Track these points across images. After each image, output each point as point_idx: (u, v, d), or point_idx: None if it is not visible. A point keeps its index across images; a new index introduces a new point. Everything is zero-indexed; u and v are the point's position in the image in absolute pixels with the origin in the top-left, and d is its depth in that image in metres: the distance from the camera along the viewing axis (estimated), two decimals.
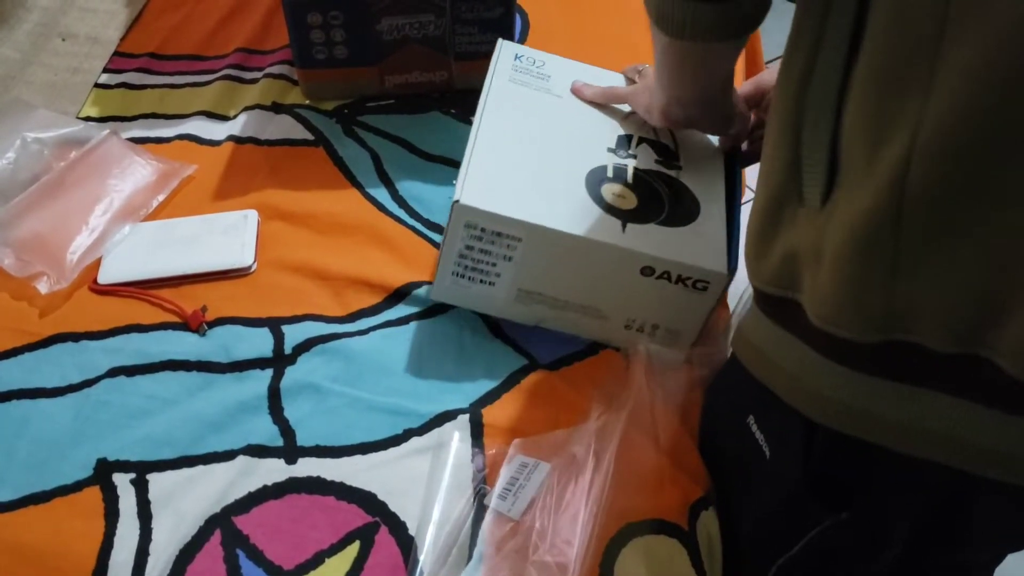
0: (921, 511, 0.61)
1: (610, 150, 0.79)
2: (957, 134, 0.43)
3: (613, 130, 0.81)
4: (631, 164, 0.78)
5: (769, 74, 0.83)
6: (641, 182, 0.77)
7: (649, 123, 0.80)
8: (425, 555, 0.66)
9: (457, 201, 0.70)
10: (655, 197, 0.76)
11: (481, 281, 0.75)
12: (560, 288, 0.75)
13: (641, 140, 0.81)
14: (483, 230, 0.71)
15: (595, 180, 0.76)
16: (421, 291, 0.82)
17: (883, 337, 0.51)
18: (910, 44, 0.44)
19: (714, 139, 0.84)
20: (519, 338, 0.79)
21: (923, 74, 0.44)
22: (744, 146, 0.86)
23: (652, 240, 0.72)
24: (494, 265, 0.74)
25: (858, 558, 0.66)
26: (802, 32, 0.51)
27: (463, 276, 0.75)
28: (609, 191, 0.75)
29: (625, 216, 0.73)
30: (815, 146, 0.51)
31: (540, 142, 0.78)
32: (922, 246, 0.47)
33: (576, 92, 0.83)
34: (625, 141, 0.80)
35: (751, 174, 0.91)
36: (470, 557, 0.66)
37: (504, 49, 0.86)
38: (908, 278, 0.48)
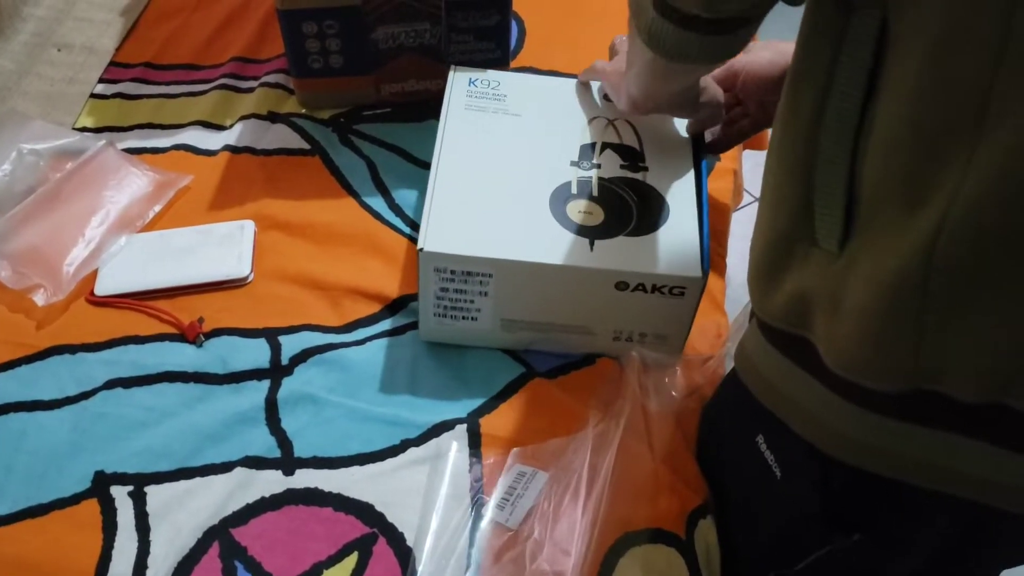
0: (945, 532, 0.60)
1: (573, 163, 0.79)
2: (994, 212, 0.42)
3: (576, 140, 0.81)
4: (595, 175, 0.78)
5: (744, 56, 0.81)
6: (607, 192, 0.76)
7: (616, 107, 0.80)
8: (423, 565, 0.66)
9: (421, 249, 0.71)
10: (622, 207, 0.76)
11: (463, 318, 0.75)
12: (541, 313, 0.75)
13: (605, 146, 0.81)
14: (453, 272, 0.72)
15: (560, 200, 0.76)
16: (417, 302, 0.82)
17: (908, 388, 0.50)
18: (951, 111, 0.43)
19: (681, 126, 0.83)
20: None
21: (963, 145, 0.42)
22: (718, 130, 0.85)
23: (622, 254, 0.72)
24: (472, 302, 0.74)
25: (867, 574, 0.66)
26: (809, 73, 0.49)
27: (445, 316, 0.76)
28: (575, 209, 0.75)
29: (593, 233, 0.73)
30: (830, 191, 0.49)
31: (501, 168, 0.78)
32: (950, 310, 0.46)
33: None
34: (588, 151, 0.80)
35: (752, 181, 0.91)
36: (468, 567, 0.66)
37: (457, 78, 0.86)
38: (937, 338, 0.47)
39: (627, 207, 0.76)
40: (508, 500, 0.69)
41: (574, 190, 0.76)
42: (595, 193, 0.76)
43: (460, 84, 0.86)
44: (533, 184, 0.77)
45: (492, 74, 0.87)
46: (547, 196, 0.76)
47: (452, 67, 0.88)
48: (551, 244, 0.72)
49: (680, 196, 0.77)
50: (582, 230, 0.73)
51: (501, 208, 0.75)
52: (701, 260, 0.72)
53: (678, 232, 0.74)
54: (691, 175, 0.79)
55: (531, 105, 0.84)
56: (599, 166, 0.79)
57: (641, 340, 0.77)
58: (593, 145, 0.81)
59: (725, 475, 0.72)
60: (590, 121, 0.83)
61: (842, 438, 0.55)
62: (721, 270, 0.89)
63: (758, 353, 0.60)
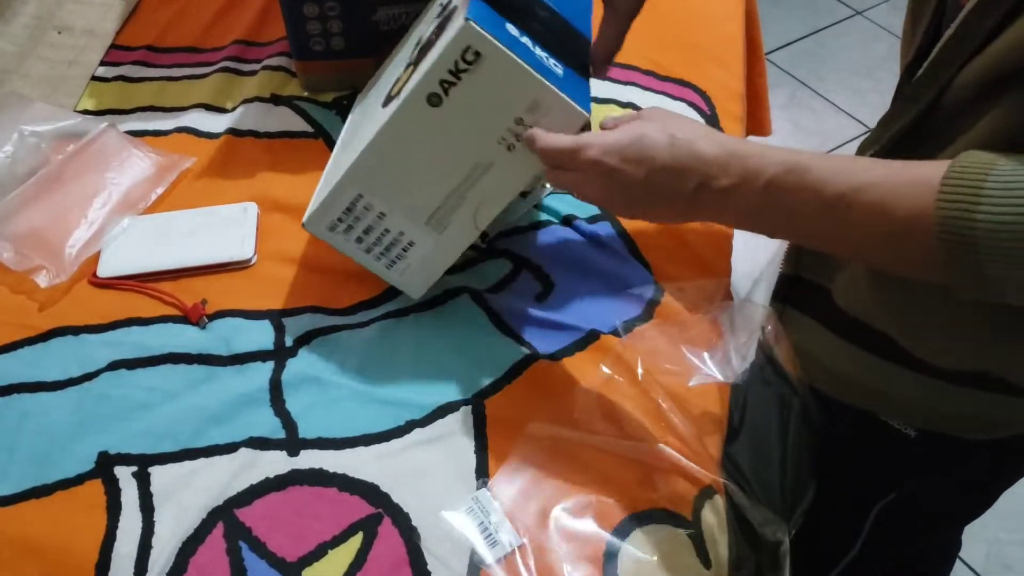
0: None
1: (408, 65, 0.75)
2: None
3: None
4: (416, 50, 0.74)
5: None
6: (422, 52, 0.72)
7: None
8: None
9: (304, 225, 0.77)
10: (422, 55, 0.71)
11: (400, 248, 0.76)
12: (432, 184, 0.72)
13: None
14: (339, 219, 0.75)
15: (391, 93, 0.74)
16: None
17: None
18: None
19: None
20: (520, 329, 0.79)
21: None
22: None
23: (407, 89, 0.69)
24: (382, 224, 0.75)
25: None
26: None
27: (392, 263, 0.77)
28: (385, 91, 0.75)
29: (389, 97, 0.73)
30: None
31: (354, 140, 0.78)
32: None
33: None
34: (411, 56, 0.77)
35: None
36: (472, 547, 0.66)
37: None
38: None
39: (431, 46, 0.70)
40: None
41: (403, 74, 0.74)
42: (412, 60, 0.73)
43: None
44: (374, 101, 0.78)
45: None
46: (382, 98, 0.76)
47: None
48: (374, 126, 0.71)
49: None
50: (388, 100, 0.73)
51: (348, 154, 0.75)
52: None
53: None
54: None
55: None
56: (419, 41, 0.75)
57: (520, 124, 0.68)
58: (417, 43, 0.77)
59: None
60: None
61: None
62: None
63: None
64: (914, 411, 0.72)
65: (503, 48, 0.65)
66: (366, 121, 0.78)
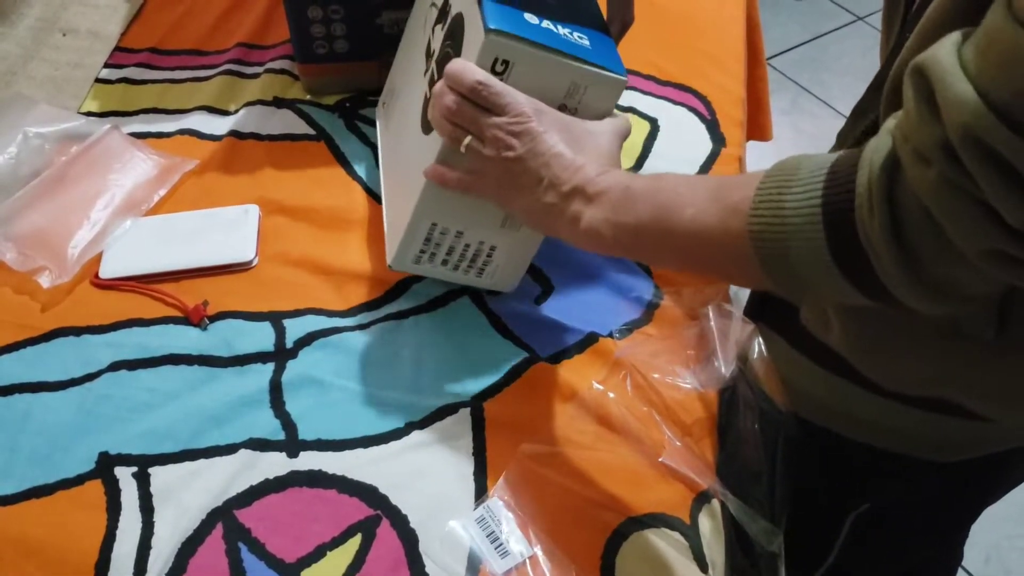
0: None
1: (425, 72, 0.76)
2: None
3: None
4: (432, 63, 0.75)
5: None
6: (440, 66, 0.71)
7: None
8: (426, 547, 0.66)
9: (390, 266, 0.77)
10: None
11: (483, 257, 0.76)
12: None
13: (433, 28, 0.77)
14: (422, 251, 0.75)
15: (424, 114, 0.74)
16: (421, 286, 0.82)
17: None
18: None
19: None
20: (519, 331, 0.79)
21: None
22: None
23: None
24: (461, 236, 0.74)
25: None
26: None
27: (481, 269, 0.76)
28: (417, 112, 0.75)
29: (427, 121, 0.71)
30: None
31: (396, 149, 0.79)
32: None
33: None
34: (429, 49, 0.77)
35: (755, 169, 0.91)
36: (471, 550, 0.66)
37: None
38: None
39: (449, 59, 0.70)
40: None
41: (429, 94, 0.73)
42: (438, 77, 0.70)
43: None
44: (412, 118, 0.76)
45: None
46: (417, 118, 0.75)
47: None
48: (424, 156, 0.71)
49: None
50: (427, 124, 0.72)
51: (405, 187, 0.75)
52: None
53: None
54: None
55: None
56: (434, 52, 0.75)
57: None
58: (430, 42, 0.77)
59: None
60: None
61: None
62: None
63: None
64: (878, 432, 0.71)
65: (532, 48, 0.64)
66: (409, 148, 0.77)
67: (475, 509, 0.68)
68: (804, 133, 2.17)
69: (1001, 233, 0.41)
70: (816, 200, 0.48)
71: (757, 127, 1.27)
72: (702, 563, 0.67)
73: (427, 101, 0.72)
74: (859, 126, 0.65)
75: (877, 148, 0.46)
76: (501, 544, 0.65)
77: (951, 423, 0.66)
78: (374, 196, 0.90)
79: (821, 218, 0.48)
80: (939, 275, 0.45)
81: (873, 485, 0.78)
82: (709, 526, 0.69)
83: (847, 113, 0.68)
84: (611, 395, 0.75)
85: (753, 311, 0.82)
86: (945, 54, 0.41)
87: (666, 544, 0.67)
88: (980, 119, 0.39)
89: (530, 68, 0.65)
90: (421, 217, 0.73)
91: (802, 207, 0.49)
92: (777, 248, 0.50)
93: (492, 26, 0.63)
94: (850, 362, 0.67)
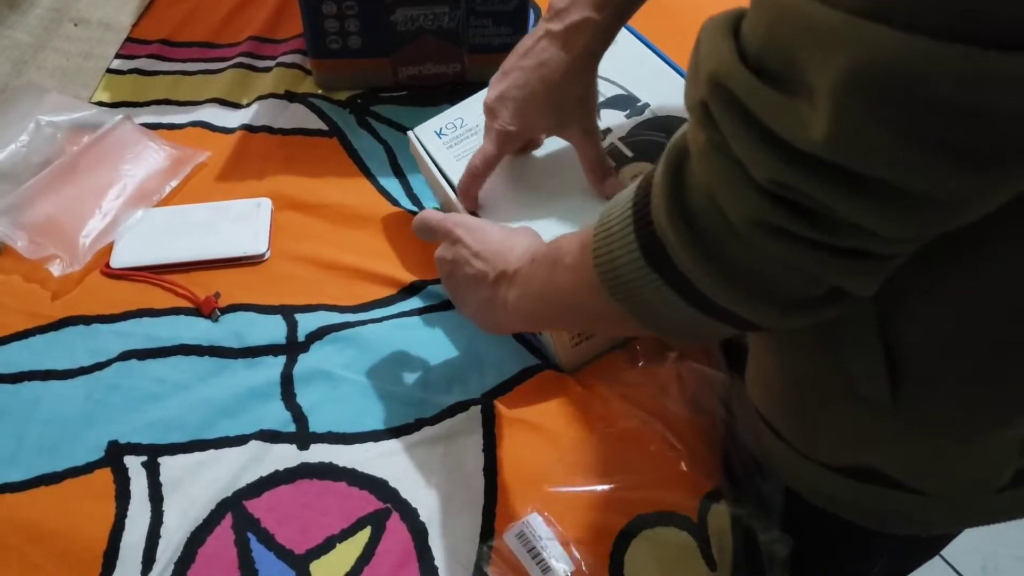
0: None
1: None
2: None
3: None
4: (615, 139, 0.76)
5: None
6: (639, 147, 0.75)
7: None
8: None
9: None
10: (657, 149, 0.72)
11: None
12: None
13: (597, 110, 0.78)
14: None
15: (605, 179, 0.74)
16: (434, 286, 0.82)
17: None
18: None
19: (638, 51, 0.81)
20: (532, 339, 0.79)
21: None
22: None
23: None
24: None
25: None
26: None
27: (584, 338, 0.74)
28: (628, 177, 0.74)
29: None
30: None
31: (529, 182, 0.76)
32: None
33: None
34: None
35: None
36: (479, 542, 0.66)
37: (422, 135, 0.84)
38: None
39: (661, 147, 0.74)
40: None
41: (610, 163, 0.76)
42: (630, 154, 0.75)
43: (430, 139, 0.83)
44: (569, 179, 0.75)
45: (447, 115, 0.85)
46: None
47: (409, 132, 0.85)
48: None
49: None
50: None
51: (563, 219, 0.73)
52: None
53: None
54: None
55: None
56: (610, 130, 0.78)
57: None
58: None
59: None
60: None
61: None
62: None
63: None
64: (819, 495, 0.65)
65: None
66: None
67: (514, 524, 0.67)
68: None
69: (756, 195, 0.39)
70: (628, 209, 0.48)
71: None
72: (710, 562, 0.67)
73: (600, 161, 0.73)
74: None
75: (671, 141, 0.45)
76: (543, 560, 0.65)
77: (886, 494, 0.60)
78: (385, 193, 0.90)
79: (632, 225, 0.47)
80: (729, 258, 0.42)
81: (839, 544, 0.72)
82: (717, 525, 0.69)
83: None
84: (620, 398, 0.75)
85: (727, 359, 0.78)
86: (718, 17, 0.40)
87: (674, 543, 0.67)
88: (726, 65, 0.37)
89: None
90: None
91: (621, 220, 0.48)
92: (613, 274, 0.49)
93: None
94: (775, 427, 0.63)
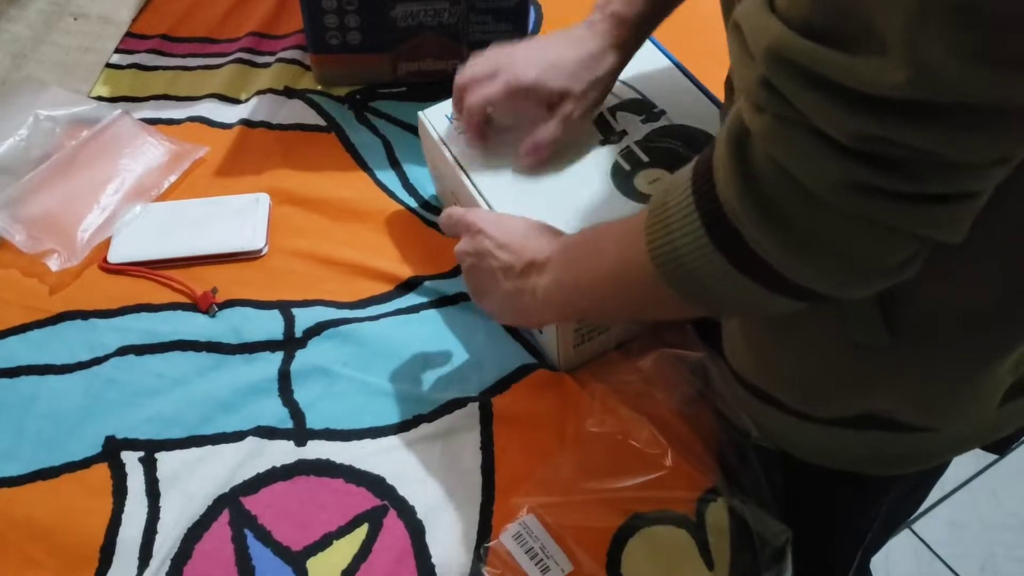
0: None
1: (603, 143, 0.77)
2: None
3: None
4: (631, 143, 0.77)
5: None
6: (656, 152, 0.75)
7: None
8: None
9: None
10: (677, 157, 0.74)
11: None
12: None
13: (614, 111, 0.79)
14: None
15: (621, 181, 0.74)
16: (432, 283, 0.82)
17: None
18: None
19: (659, 61, 0.82)
20: (530, 338, 0.79)
21: None
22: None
23: None
24: None
25: None
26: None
27: (583, 342, 0.74)
28: (644, 182, 0.74)
29: None
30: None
31: (542, 175, 0.75)
32: None
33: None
34: (604, 123, 0.78)
35: None
36: (476, 542, 0.66)
37: (433, 118, 0.82)
38: None
39: (680, 156, 0.74)
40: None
41: (626, 166, 0.76)
42: (646, 158, 0.76)
43: (440, 122, 0.82)
44: (586, 178, 0.75)
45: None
46: (607, 183, 0.74)
47: (419, 113, 0.83)
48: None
49: (707, 120, 0.76)
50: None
51: (577, 214, 0.72)
52: None
53: None
54: (701, 98, 0.79)
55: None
56: (625, 132, 0.78)
57: None
58: (602, 116, 0.80)
59: None
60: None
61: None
62: None
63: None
64: (820, 453, 0.66)
65: None
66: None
67: (511, 525, 0.67)
68: None
69: (840, 158, 0.40)
70: (688, 193, 0.48)
71: None
72: (708, 560, 0.67)
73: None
74: (730, 101, 0.65)
75: (727, 123, 0.46)
76: (541, 560, 0.65)
77: (890, 438, 0.62)
78: (384, 188, 0.90)
79: (695, 208, 0.48)
80: (807, 231, 0.44)
81: (841, 497, 0.74)
82: (715, 523, 0.69)
83: None
84: (615, 395, 0.74)
85: (703, 336, 0.78)
86: (747, 2, 0.42)
87: (672, 540, 0.67)
88: (781, 38, 0.39)
89: None
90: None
91: (681, 206, 0.49)
92: (671, 257, 0.50)
93: None
94: (768, 391, 0.63)
